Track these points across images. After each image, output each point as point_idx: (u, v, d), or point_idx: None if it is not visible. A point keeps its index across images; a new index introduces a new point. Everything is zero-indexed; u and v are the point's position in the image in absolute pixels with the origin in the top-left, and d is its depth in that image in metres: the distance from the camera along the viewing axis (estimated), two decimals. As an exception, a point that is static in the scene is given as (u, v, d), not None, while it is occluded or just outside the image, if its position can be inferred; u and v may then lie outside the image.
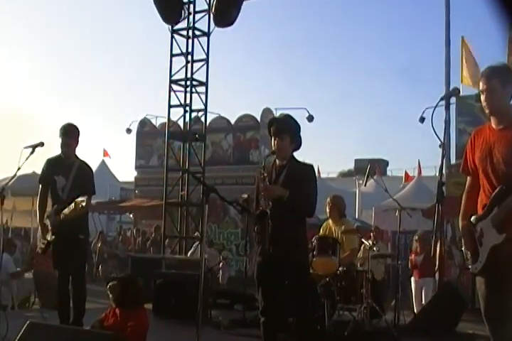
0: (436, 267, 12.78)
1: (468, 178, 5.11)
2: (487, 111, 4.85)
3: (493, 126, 4.84)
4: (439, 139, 4.72)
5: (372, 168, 12.51)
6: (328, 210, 9.84)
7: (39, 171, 8.65)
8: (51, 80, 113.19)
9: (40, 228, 8.24)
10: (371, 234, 14.44)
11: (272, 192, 6.36)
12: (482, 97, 4.81)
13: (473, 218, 4.82)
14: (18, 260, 17.98)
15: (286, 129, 6.55)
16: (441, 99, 4.91)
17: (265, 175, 6.44)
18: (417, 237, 13.64)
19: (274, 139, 6.52)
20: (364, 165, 15.06)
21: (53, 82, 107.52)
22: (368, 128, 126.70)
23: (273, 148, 6.57)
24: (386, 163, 52.78)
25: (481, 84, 4.83)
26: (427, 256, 13.07)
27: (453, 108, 18.42)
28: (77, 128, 8.27)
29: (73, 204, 7.52)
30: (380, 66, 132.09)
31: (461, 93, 18.26)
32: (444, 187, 4.95)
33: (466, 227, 4.88)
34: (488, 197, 4.71)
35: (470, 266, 4.85)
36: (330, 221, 9.85)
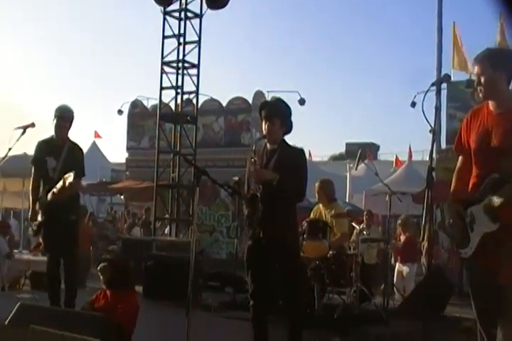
0: (424, 251, 12.83)
1: (460, 157, 5.04)
2: (481, 95, 4.78)
3: (492, 109, 4.76)
4: (430, 125, 4.69)
5: (363, 152, 12.54)
6: (316, 195, 9.87)
7: (30, 152, 8.67)
8: (42, 62, 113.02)
9: (30, 209, 8.27)
10: (364, 217, 14.47)
11: (262, 176, 6.35)
12: (477, 82, 4.78)
13: (464, 201, 4.81)
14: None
15: (277, 113, 6.53)
16: (432, 84, 4.87)
17: (256, 158, 6.45)
18: (399, 221, 13.61)
19: (265, 123, 6.50)
20: (355, 149, 15.13)
21: (44, 64, 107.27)
22: (360, 112, 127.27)
23: (264, 132, 6.57)
24: (377, 148, 53.05)
25: (475, 68, 4.76)
26: (407, 241, 13.11)
27: (444, 93, 18.44)
28: (72, 111, 8.31)
29: (61, 181, 7.56)
30: (373, 51, 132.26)
31: (452, 78, 18.35)
32: (434, 172, 4.92)
33: (457, 210, 4.83)
34: (480, 182, 4.69)
35: (460, 251, 4.84)
36: (320, 205, 9.89)
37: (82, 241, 15.03)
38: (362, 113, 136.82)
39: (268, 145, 6.57)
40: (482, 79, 4.70)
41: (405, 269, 12.85)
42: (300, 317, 6.58)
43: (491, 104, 4.77)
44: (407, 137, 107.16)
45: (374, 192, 20.29)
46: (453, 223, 4.86)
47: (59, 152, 8.09)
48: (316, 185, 9.82)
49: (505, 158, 4.51)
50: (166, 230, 17.58)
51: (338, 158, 55.91)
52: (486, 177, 4.59)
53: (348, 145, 57.22)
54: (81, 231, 15.32)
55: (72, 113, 8.30)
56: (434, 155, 5.41)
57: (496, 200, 4.48)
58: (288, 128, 6.60)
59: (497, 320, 4.52)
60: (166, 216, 17.36)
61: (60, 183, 7.61)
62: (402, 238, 13.20)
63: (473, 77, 4.77)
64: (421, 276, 13.10)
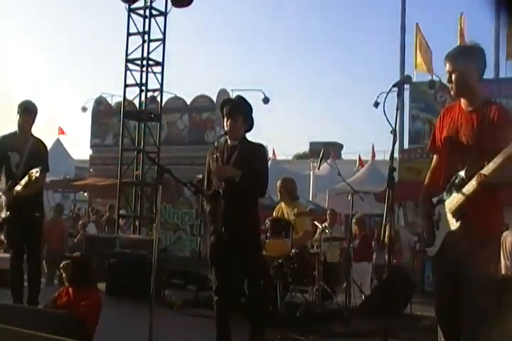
0: (386, 250, 12.88)
1: (435, 156, 5.10)
2: (452, 92, 4.81)
3: (463, 106, 4.79)
4: (391, 125, 4.71)
5: (326, 151, 12.59)
6: (278, 194, 9.93)
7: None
8: (7, 57, 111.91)
9: None
10: (327, 216, 14.52)
11: (223, 173, 6.41)
12: (448, 79, 4.77)
13: (433, 199, 4.85)
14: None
15: (239, 110, 6.60)
16: (393, 85, 4.90)
17: (217, 155, 6.51)
18: (354, 220, 13.56)
19: (227, 120, 6.56)
20: (319, 148, 15.24)
21: (9, 59, 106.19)
22: (324, 111, 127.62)
23: (226, 129, 6.62)
24: (341, 147, 53.08)
25: (446, 65, 4.78)
26: (362, 240, 13.18)
27: (407, 94, 18.64)
28: (36, 106, 8.29)
29: (27, 176, 7.53)
30: (338, 50, 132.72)
31: (414, 79, 18.58)
32: (396, 172, 4.95)
33: (426, 209, 4.90)
34: (448, 180, 4.73)
35: (426, 249, 4.88)
36: (282, 203, 9.94)
37: (57, 238, 15.10)
38: (326, 112, 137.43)
39: (229, 141, 6.63)
40: (453, 77, 4.71)
41: (360, 268, 12.89)
42: (262, 315, 6.64)
43: (462, 102, 4.79)
44: (370, 137, 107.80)
45: (337, 191, 20.39)
46: (422, 222, 4.91)
47: (22, 147, 8.06)
48: (278, 184, 9.87)
49: (472, 155, 4.55)
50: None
51: (302, 157, 55.86)
52: (453, 175, 4.64)
53: (311, 144, 57.24)
54: (58, 229, 15.40)
55: (36, 108, 8.29)
56: (395, 156, 5.48)
57: (456, 199, 4.56)
58: (249, 125, 6.68)
59: (456, 318, 4.60)
60: (121, 211, 17.37)
61: (26, 179, 7.58)
62: (357, 237, 13.26)
63: (436, 78, 4.84)
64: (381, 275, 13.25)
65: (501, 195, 4.68)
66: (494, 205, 4.67)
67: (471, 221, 4.51)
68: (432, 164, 5.12)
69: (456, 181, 4.59)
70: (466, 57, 4.72)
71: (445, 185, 4.73)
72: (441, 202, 4.71)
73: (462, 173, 4.57)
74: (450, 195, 4.62)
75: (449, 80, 4.77)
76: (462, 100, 4.81)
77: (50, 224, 16.00)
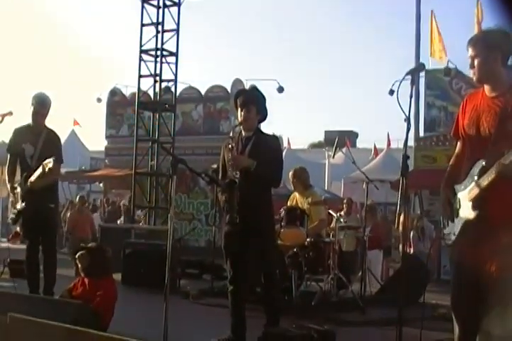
0: (401, 239, 12.88)
1: (458, 143, 4.95)
2: (474, 78, 4.65)
3: (486, 93, 4.62)
4: (404, 113, 4.64)
5: (341, 140, 12.58)
6: (292, 184, 9.93)
7: (7, 140, 8.66)
8: (19, 50, 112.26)
9: (11, 198, 8.26)
10: (344, 205, 14.51)
11: (239, 162, 6.43)
12: (470, 64, 4.60)
13: (455, 186, 4.80)
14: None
15: (252, 101, 6.62)
16: (407, 73, 4.83)
17: (233, 145, 6.51)
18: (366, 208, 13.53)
19: (241, 110, 6.58)
20: (334, 137, 15.17)
21: (21, 52, 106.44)
22: (340, 100, 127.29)
23: (239, 119, 6.63)
24: (356, 135, 52.98)
25: (469, 50, 4.60)
26: (374, 228, 13.15)
27: (422, 81, 18.51)
28: (50, 98, 8.32)
29: (41, 167, 7.56)
30: (352, 38, 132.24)
31: (430, 67, 18.47)
32: (410, 160, 4.87)
33: (447, 196, 4.80)
34: (471, 167, 4.61)
35: (445, 237, 4.83)
36: (296, 193, 9.93)
37: (83, 228, 15.24)
38: (341, 100, 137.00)
39: (243, 132, 6.64)
40: (476, 62, 4.55)
41: (372, 255, 12.87)
42: (278, 305, 6.64)
43: (486, 88, 4.63)
44: (385, 125, 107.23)
45: (352, 180, 20.36)
46: (442, 209, 4.85)
47: (36, 139, 8.09)
48: (290, 175, 9.85)
49: (493, 143, 4.43)
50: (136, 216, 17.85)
51: (317, 146, 55.71)
52: (474, 163, 4.57)
53: (326, 133, 57.13)
54: (84, 219, 15.53)
55: (50, 100, 8.30)
56: (411, 144, 5.43)
57: (475, 187, 4.50)
58: (263, 115, 6.69)
59: (471, 308, 4.56)
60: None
61: (40, 170, 7.61)
62: (368, 224, 13.24)
63: (451, 65, 4.74)
64: (395, 263, 13.26)
65: None
66: None
67: (487, 209, 4.45)
68: (456, 151, 5.00)
69: (477, 169, 4.48)
70: (490, 41, 4.55)
71: (467, 173, 4.66)
72: (462, 189, 4.65)
73: (483, 161, 4.46)
74: (470, 183, 4.56)
75: (472, 66, 4.60)
76: (485, 86, 4.65)
77: (75, 215, 16.15)
